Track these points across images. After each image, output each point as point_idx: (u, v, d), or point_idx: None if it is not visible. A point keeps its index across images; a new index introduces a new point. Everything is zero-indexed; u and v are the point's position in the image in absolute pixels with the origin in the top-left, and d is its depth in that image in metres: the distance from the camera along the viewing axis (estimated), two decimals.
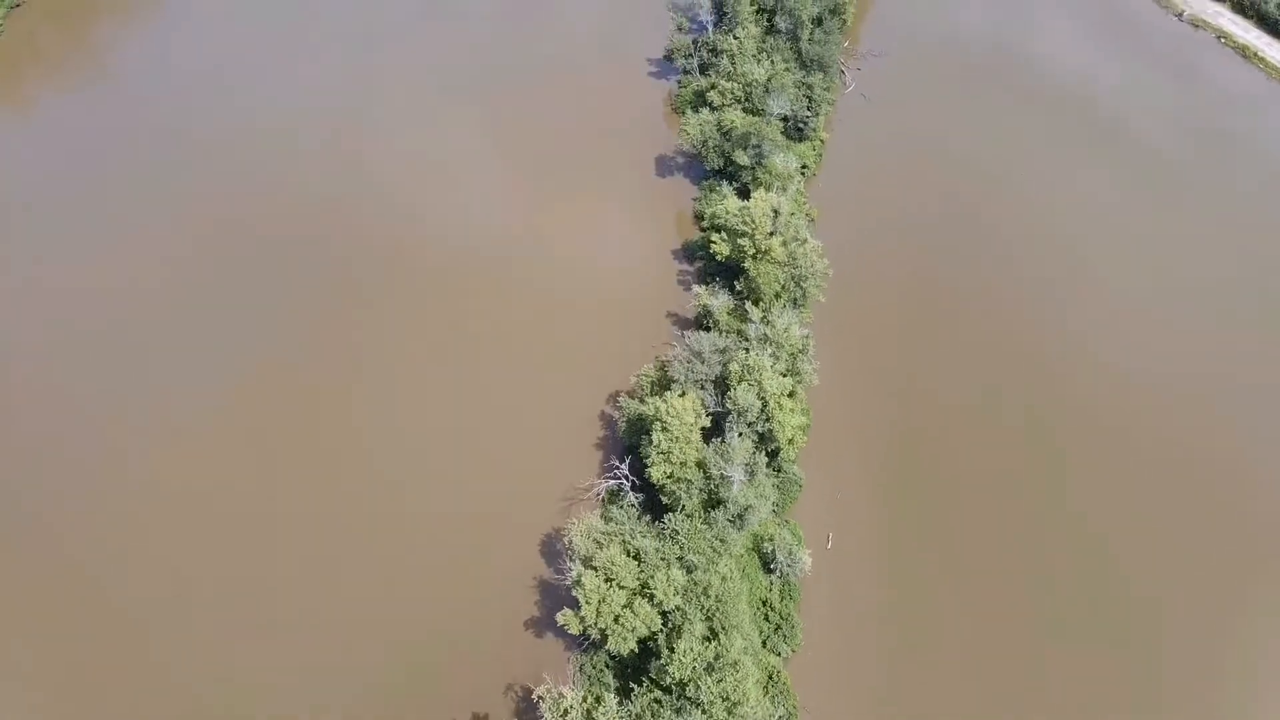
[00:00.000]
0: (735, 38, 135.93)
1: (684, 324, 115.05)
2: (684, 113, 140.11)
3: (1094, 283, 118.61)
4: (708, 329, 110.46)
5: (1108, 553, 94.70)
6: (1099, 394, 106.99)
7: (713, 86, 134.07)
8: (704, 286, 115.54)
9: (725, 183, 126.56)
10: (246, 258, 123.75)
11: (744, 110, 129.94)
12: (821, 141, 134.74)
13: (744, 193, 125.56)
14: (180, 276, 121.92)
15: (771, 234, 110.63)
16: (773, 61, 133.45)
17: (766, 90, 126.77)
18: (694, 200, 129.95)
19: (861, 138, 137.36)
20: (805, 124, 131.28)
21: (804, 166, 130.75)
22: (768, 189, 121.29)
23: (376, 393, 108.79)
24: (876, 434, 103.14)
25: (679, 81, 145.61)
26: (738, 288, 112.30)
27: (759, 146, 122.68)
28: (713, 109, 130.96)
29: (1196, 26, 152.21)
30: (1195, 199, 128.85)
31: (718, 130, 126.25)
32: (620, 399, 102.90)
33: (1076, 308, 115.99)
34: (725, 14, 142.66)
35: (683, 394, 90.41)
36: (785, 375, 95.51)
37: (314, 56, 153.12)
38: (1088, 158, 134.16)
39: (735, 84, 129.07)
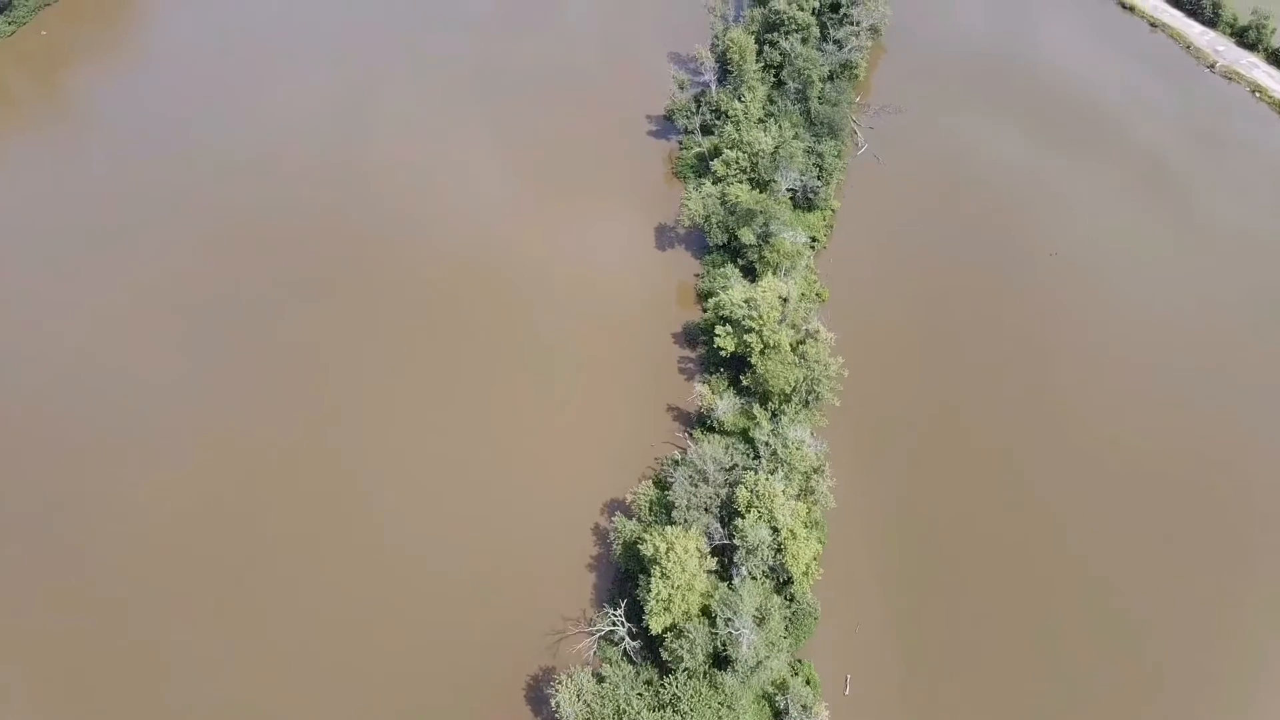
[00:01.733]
0: (740, 100, 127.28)
1: (685, 419, 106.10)
2: (685, 177, 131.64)
3: (1135, 379, 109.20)
4: (712, 428, 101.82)
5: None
6: (1145, 519, 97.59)
7: (716, 152, 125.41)
8: (708, 377, 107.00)
9: (730, 261, 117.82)
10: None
11: (750, 180, 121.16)
12: (832, 211, 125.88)
13: (749, 270, 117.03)
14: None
15: (781, 321, 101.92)
16: (780, 126, 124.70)
17: (774, 162, 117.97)
18: (696, 276, 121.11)
19: (874, 205, 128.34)
20: (815, 193, 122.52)
21: (813, 240, 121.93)
22: (775, 270, 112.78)
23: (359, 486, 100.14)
24: (896, 555, 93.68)
25: (680, 142, 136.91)
26: (744, 382, 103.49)
27: (766, 225, 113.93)
28: (716, 180, 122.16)
29: (1229, 79, 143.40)
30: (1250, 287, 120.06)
31: (721, 205, 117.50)
32: (619, 504, 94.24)
33: (1112, 410, 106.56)
34: (730, 71, 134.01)
35: (686, 528, 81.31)
36: (799, 497, 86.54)
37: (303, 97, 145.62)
38: (1120, 231, 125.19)
39: (740, 153, 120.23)
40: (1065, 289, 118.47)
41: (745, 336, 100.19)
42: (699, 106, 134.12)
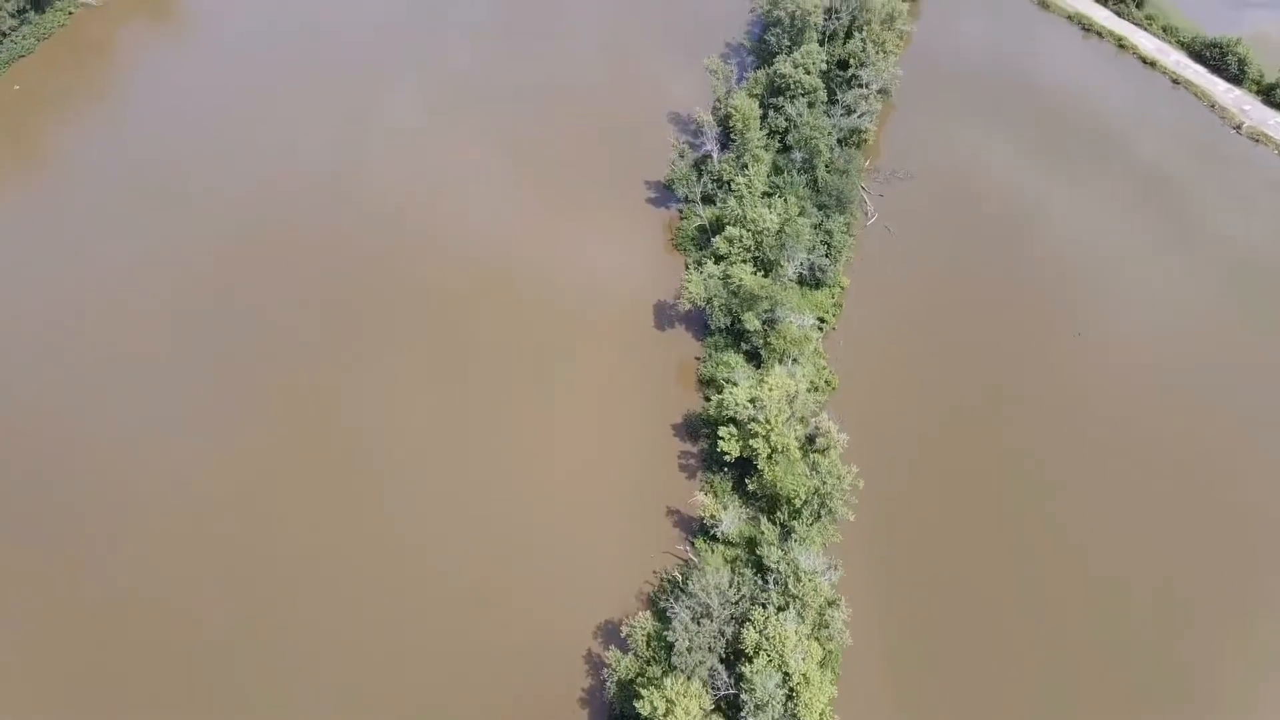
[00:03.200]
0: (744, 172, 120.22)
1: (687, 524, 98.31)
2: (685, 249, 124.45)
3: (1169, 487, 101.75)
4: (715, 538, 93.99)
5: None
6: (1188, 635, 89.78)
7: (719, 225, 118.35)
8: (710, 476, 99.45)
9: (733, 345, 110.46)
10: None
11: (754, 259, 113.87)
12: (841, 288, 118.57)
13: (754, 356, 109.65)
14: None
15: (789, 419, 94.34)
16: (785, 201, 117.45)
17: (780, 241, 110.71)
18: (697, 359, 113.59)
19: (885, 281, 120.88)
20: (823, 271, 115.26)
21: (821, 321, 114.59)
22: (781, 357, 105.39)
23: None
24: (915, 696, 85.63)
25: (680, 210, 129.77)
26: (750, 486, 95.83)
27: (771, 309, 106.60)
28: (718, 259, 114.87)
29: (1257, 140, 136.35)
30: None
31: (724, 287, 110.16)
32: (614, 628, 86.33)
33: (1151, 515, 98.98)
34: (733, 139, 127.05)
35: (687, 677, 73.30)
36: (811, 634, 78.59)
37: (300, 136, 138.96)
38: (1150, 302, 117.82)
39: (744, 230, 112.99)
40: (1092, 372, 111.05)
41: (751, 441, 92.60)
42: (700, 175, 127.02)
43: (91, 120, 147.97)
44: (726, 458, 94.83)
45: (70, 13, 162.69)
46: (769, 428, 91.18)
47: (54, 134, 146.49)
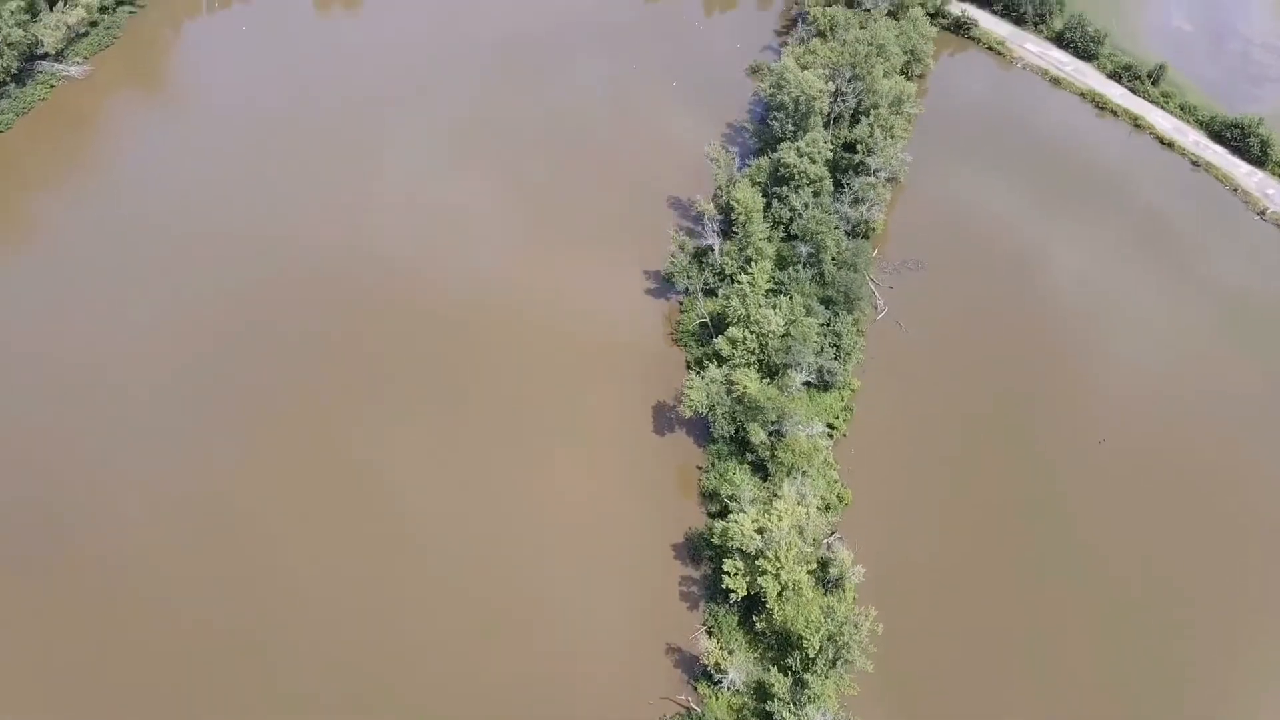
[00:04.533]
0: (748, 267, 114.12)
1: (689, 664, 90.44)
2: (686, 345, 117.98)
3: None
4: (718, 682, 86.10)
5: None
6: None
7: (721, 322, 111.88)
8: (714, 608, 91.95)
9: (737, 454, 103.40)
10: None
11: (759, 362, 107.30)
12: (851, 391, 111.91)
13: (759, 467, 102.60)
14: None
15: (800, 553, 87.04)
16: (791, 299, 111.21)
17: (787, 346, 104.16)
18: (699, 469, 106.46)
19: (898, 381, 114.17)
20: (832, 374, 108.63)
21: (831, 427, 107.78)
22: (789, 470, 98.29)
23: None
24: None
25: (680, 303, 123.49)
26: (758, 624, 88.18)
27: (778, 420, 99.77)
28: (721, 360, 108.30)
29: None
30: None
31: (727, 393, 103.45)
32: None
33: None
34: (735, 232, 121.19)
35: None
36: None
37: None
38: (1177, 426, 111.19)
39: (748, 332, 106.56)
40: (1119, 485, 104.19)
41: (758, 578, 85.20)
42: (701, 267, 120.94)
43: (76, 192, 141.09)
44: (732, 595, 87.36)
45: (52, 85, 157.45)
46: (778, 565, 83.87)
47: (35, 208, 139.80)
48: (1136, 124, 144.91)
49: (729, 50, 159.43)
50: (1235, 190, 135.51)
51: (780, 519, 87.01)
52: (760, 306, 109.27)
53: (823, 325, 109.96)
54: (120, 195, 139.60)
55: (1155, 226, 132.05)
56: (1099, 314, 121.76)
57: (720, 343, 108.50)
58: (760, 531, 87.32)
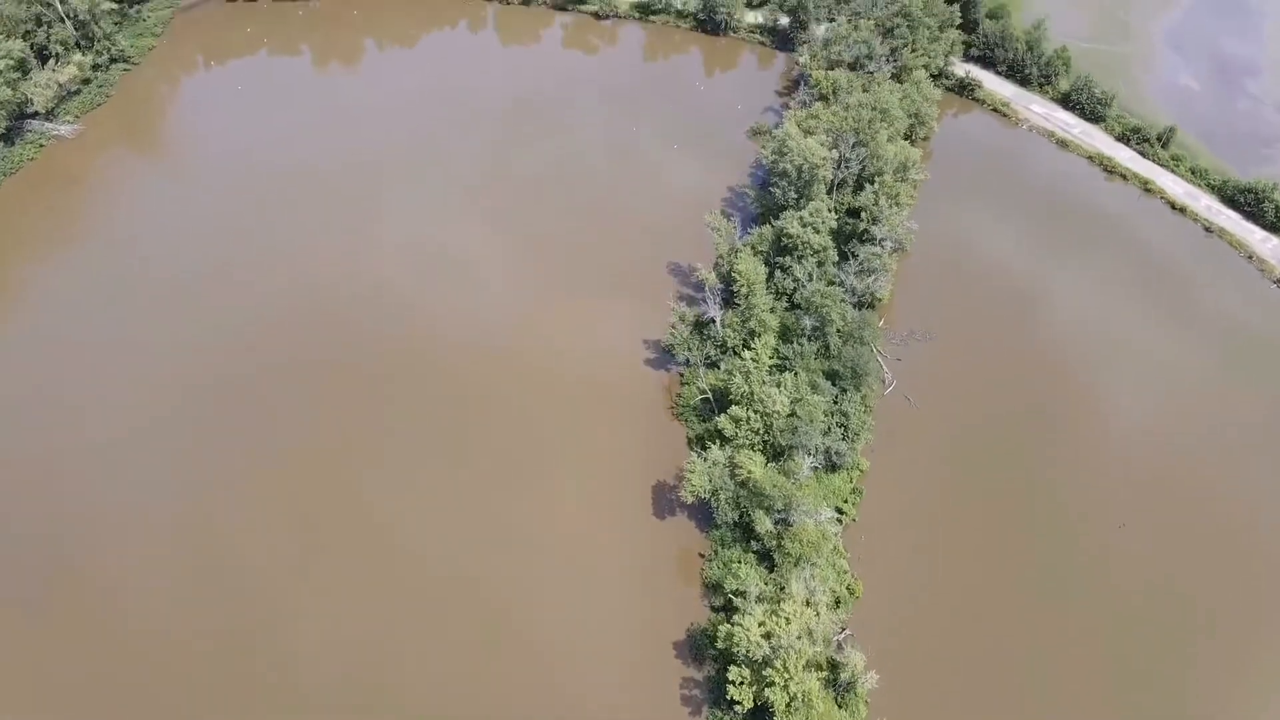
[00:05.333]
0: (751, 340, 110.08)
1: None
2: (687, 419, 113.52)
3: None
4: None
5: None
6: None
7: (724, 398, 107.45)
8: (719, 716, 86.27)
9: (742, 541, 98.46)
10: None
11: (763, 443, 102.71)
12: (860, 471, 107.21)
13: (765, 556, 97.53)
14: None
15: (809, 661, 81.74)
16: (795, 374, 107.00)
17: (792, 427, 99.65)
18: (701, 556, 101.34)
19: (909, 461, 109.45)
20: (839, 455, 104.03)
21: (840, 512, 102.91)
22: (797, 561, 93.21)
23: None
24: None
25: (681, 374, 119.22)
26: None
27: (785, 511, 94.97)
28: (723, 440, 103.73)
29: None
30: None
31: (731, 477, 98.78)
32: None
33: None
34: (737, 302, 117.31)
35: None
36: None
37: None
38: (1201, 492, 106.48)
39: (752, 412, 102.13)
40: (1143, 567, 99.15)
41: (766, 689, 79.82)
42: (703, 339, 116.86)
43: (67, 249, 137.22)
44: (737, 707, 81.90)
45: (41, 145, 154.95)
46: (787, 676, 78.57)
47: (25, 266, 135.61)
48: (1147, 188, 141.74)
49: (730, 112, 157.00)
50: (1250, 258, 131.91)
51: (788, 622, 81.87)
52: (764, 383, 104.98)
53: (831, 403, 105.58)
54: (111, 253, 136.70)
55: (1168, 296, 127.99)
56: (1114, 384, 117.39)
57: (723, 421, 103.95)
58: (767, 637, 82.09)
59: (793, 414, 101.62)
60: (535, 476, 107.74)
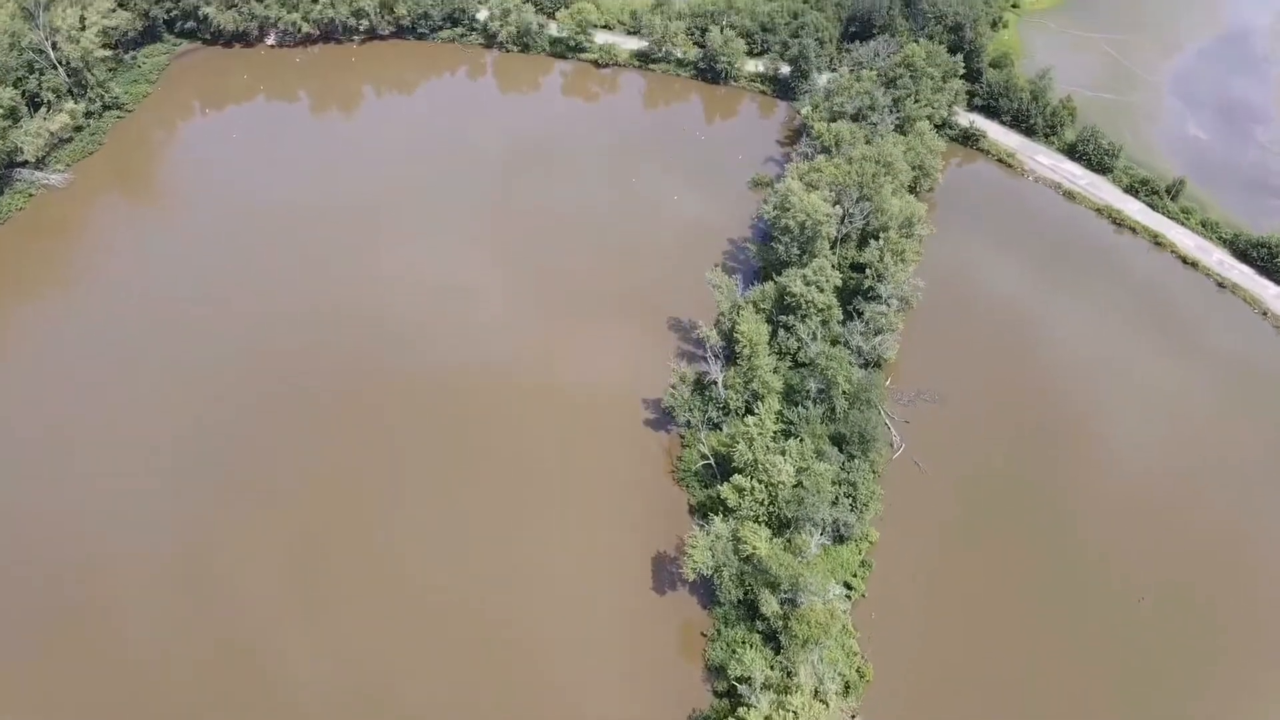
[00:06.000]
0: (755, 403, 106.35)
1: None
2: (689, 485, 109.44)
3: None
4: None
5: None
6: None
7: (727, 469, 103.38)
8: None
9: (746, 620, 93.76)
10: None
11: (768, 515, 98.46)
12: (870, 543, 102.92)
13: (771, 637, 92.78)
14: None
15: None
16: (801, 439, 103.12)
17: (799, 498, 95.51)
18: (704, 635, 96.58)
19: (919, 529, 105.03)
20: (848, 527, 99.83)
21: (848, 587, 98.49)
22: (805, 643, 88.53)
23: None
24: None
25: (682, 436, 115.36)
26: None
27: (792, 591, 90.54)
28: (727, 512, 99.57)
29: None
30: None
31: (734, 552, 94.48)
32: None
33: None
34: (739, 361, 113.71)
35: None
36: None
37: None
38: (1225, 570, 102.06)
39: (756, 482, 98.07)
40: (1166, 641, 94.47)
41: None
42: (704, 400, 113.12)
43: (56, 297, 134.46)
44: None
45: (30, 195, 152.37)
46: None
47: (15, 314, 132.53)
48: (1157, 241, 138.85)
49: (731, 162, 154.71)
50: (1265, 314, 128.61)
51: (796, 717, 77.19)
52: (768, 450, 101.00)
53: (837, 471, 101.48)
54: (103, 296, 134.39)
55: (1182, 353, 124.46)
56: (1130, 445, 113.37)
57: (725, 490, 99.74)
58: None
59: (799, 484, 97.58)
60: (529, 552, 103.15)
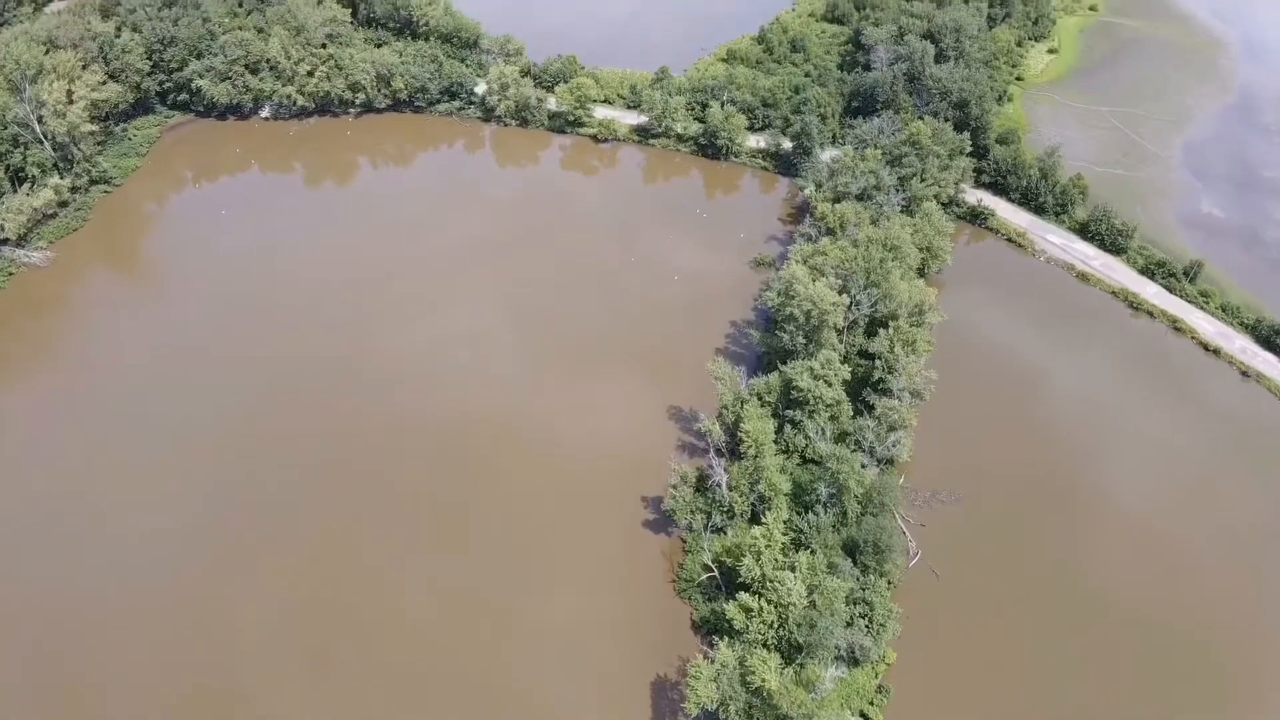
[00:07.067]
0: (760, 519, 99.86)
1: None
2: (691, 597, 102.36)
3: None
4: None
5: None
6: None
7: (734, 584, 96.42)
8: None
9: None
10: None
11: (778, 638, 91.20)
12: (887, 665, 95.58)
13: None
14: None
15: None
16: (812, 552, 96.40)
17: (810, 622, 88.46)
18: None
19: (939, 648, 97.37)
20: (864, 650, 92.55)
21: (865, 717, 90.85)
22: None
23: None
24: None
25: (683, 540, 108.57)
26: None
27: None
28: (733, 634, 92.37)
29: None
30: None
31: (742, 683, 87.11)
32: None
33: None
34: (743, 454, 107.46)
35: None
36: None
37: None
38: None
39: (765, 603, 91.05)
40: None
41: None
42: (707, 501, 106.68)
43: (40, 374, 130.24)
44: None
45: (10, 273, 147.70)
46: None
47: None
48: (1176, 326, 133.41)
49: (732, 239, 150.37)
50: None
51: None
52: (777, 563, 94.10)
53: (851, 586, 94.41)
54: (79, 382, 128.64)
55: (1213, 448, 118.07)
56: (1166, 545, 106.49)
57: (732, 611, 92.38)
58: None
59: (811, 603, 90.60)
60: (522, 674, 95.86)
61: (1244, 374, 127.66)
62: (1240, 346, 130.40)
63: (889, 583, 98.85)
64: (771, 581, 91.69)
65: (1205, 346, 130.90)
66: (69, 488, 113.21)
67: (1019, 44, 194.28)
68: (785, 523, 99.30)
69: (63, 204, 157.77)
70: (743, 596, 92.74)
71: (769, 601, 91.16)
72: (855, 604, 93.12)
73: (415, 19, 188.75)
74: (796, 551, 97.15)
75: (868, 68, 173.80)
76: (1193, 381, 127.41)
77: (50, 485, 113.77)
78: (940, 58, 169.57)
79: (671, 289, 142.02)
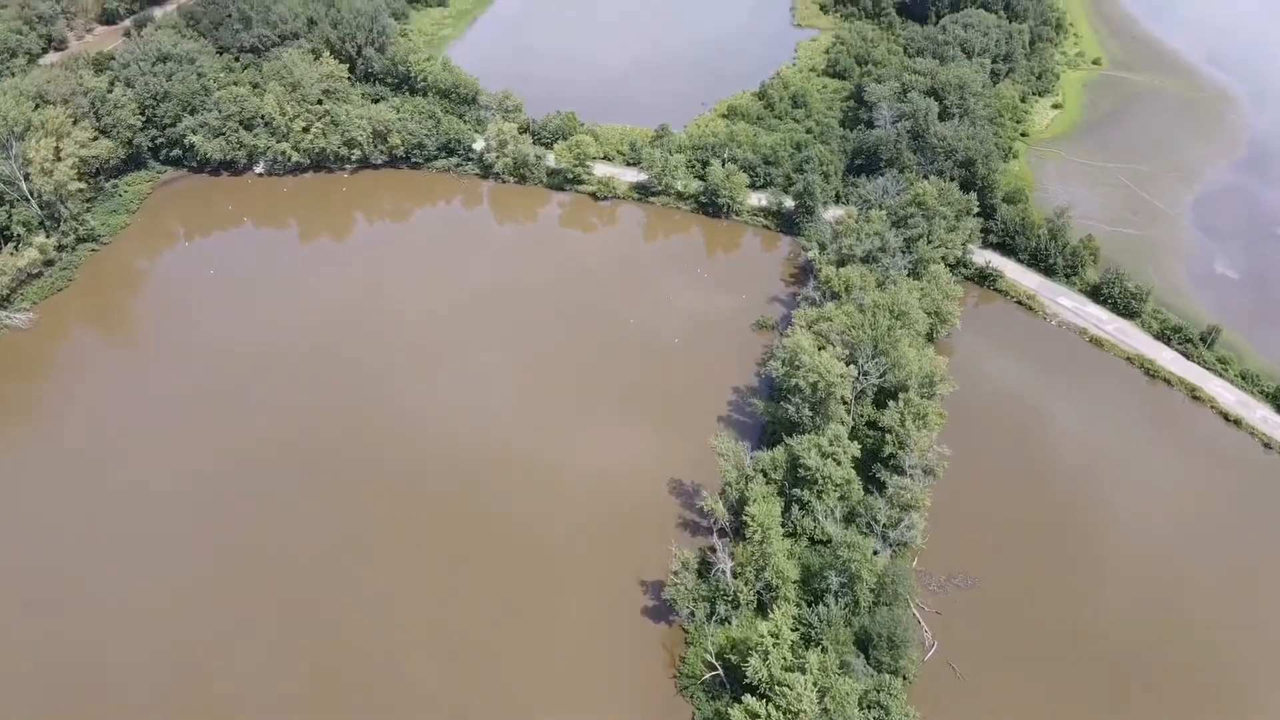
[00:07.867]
0: (767, 614, 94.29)
1: None
2: (694, 695, 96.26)
3: None
4: None
5: None
6: None
7: (740, 686, 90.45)
8: None
9: None
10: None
11: None
12: None
13: None
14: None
15: None
16: (823, 649, 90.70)
17: None
18: None
19: None
20: None
21: None
22: None
23: None
24: None
25: (685, 628, 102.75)
26: None
27: None
28: None
29: None
30: None
31: None
32: None
33: None
34: (746, 536, 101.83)
35: None
36: None
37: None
38: None
39: (772, 708, 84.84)
40: None
41: None
42: (711, 587, 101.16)
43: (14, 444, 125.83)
44: None
45: None
46: None
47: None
48: (1194, 395, 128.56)
49: (734, 300, 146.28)
50: None
51: None
52: (786, 663, 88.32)
53: (864, 687, 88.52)
54: (61, 445, 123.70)
55: (1236, 526, 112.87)
56: (1197, 635, 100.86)
57: (737, 717, 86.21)
58: None
59: (823, 709, 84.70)
60: None
61: (1266, 446, 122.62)
62: (1261, 416, 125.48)
63: (904, 679, 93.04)
64: (780, 685, 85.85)
65: (1226, 416, 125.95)
66: (44, 561, 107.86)
67: (1023, 99, 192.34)
68: (794, 618, 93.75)
69: (48, 263, 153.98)
70: (749, 700, 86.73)
71: (778, 708, 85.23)
72: (869, 708, 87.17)
73: (413, 75, 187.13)
74: (806, 648, 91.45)
75: (870, 125, 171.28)
76: (1216, 455, 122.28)
77: (24, 559, 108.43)
78: (944, 115, 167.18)
79: (671, 353, 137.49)
